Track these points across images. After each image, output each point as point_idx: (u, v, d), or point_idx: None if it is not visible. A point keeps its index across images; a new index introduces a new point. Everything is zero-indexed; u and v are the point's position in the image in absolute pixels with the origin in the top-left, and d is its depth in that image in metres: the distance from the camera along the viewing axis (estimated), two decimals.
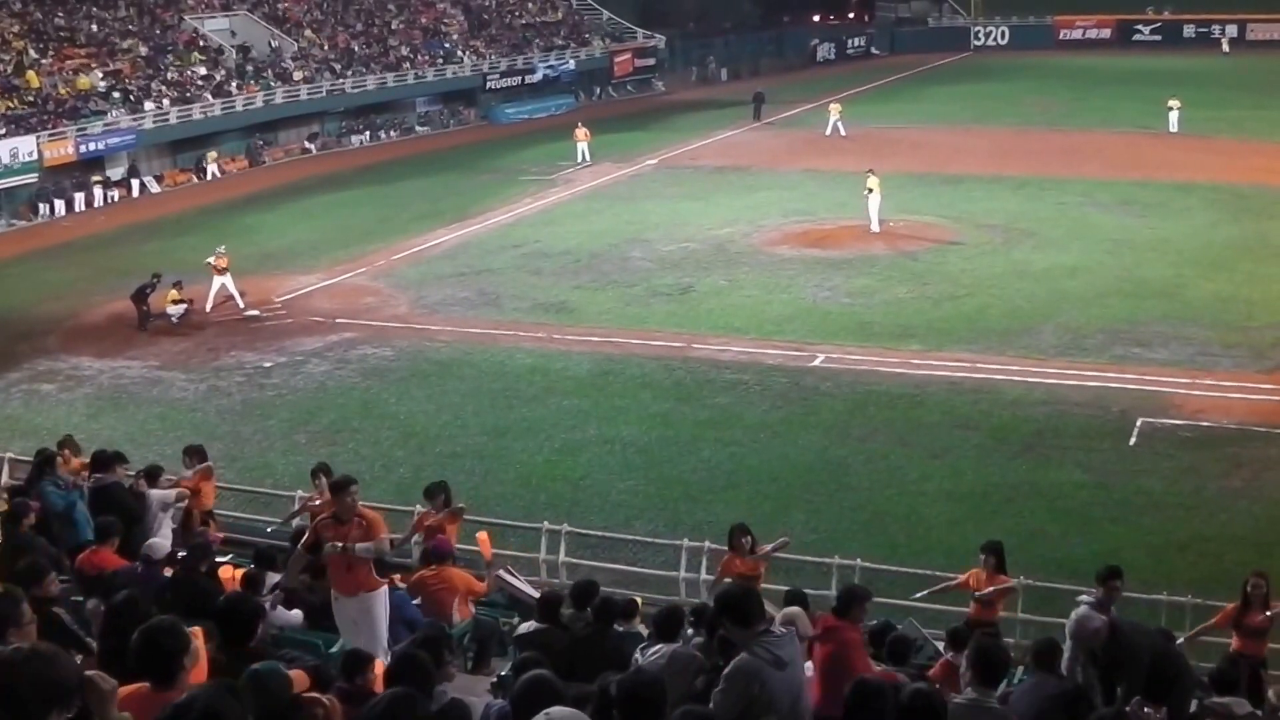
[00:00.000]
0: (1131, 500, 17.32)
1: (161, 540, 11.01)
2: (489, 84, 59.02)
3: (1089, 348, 23.42)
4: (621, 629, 9.85)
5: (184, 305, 26.97)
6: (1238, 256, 29.23)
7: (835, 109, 49.25)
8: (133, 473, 13.75)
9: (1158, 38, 75.40)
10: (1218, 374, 21.88)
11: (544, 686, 5.71)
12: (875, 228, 32.39)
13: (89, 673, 4.42)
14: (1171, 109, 46.24)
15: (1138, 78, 60.20)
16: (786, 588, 13.15)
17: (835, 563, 14.39)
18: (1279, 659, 11.27)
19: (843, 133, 48.08)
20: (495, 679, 9.14)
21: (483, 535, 12.63)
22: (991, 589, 12.20)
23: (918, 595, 13.10)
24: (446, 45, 60.05)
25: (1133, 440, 19.21)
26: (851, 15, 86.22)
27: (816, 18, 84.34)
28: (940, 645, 11.23)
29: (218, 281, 27.76)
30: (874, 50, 79.29)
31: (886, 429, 20.08)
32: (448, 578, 11.55)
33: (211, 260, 27.70)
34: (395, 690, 6.02)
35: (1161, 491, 17.55)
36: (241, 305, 27.76)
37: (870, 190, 32.35)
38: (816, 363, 23.20)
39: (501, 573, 12.36)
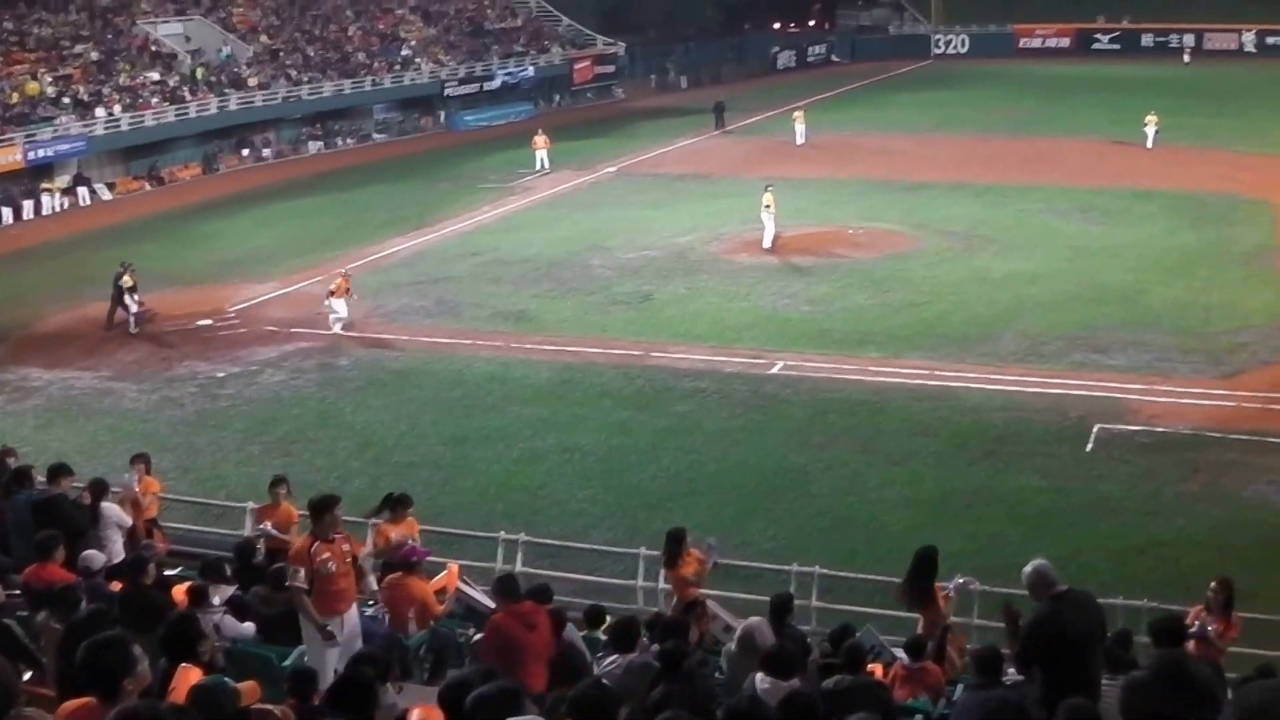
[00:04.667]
0: (1089, 505, 17.36)
1: (98, 552, 10.78)
2: (447, 91, 58.84)
3: (1048, 354, 23.48)
4: (581, 635, 9.76)
5: (141, 310, 26.69)
6: (1197, 262, 29.41)
7: (799, 116, 48.82)
8: (80, 485, 13.49)
9: (1116, 47, 76.12)
10: (1175, 380, 21.97)
11: (508, 694, 5.68)
12: (768, 244, 31.62)
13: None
14: (1148, 125, 44.72)
15: (1098, 86, 60.64)
16: (744, 595, 13.10)
17: (794, 570, 14.31)
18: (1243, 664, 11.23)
19: (800, 140, 47.56)
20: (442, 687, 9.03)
21: (453, 569, 12.37)
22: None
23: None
24: (405, 52, 59.79)
25: (1090, 446, 19.26)
26: (812, 23, 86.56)
27: (777, 25, 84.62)
28: (899, 653, 11.13)
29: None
30: (835, 58, 79.70)
31: (846, 436, 20.03)
32: (407, 587, 11.35)
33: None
34: None
35: (1119, 496, 17.60)
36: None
37: (768, 206, 31.58)
38: (776, 370, 23.14)
39: (458, 582, 12.19)
